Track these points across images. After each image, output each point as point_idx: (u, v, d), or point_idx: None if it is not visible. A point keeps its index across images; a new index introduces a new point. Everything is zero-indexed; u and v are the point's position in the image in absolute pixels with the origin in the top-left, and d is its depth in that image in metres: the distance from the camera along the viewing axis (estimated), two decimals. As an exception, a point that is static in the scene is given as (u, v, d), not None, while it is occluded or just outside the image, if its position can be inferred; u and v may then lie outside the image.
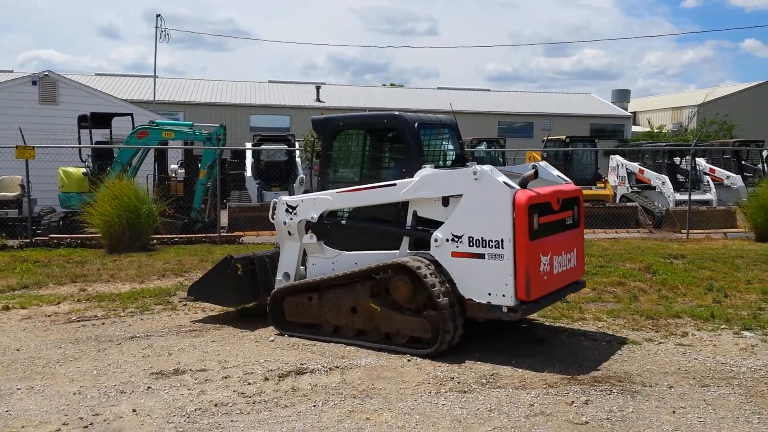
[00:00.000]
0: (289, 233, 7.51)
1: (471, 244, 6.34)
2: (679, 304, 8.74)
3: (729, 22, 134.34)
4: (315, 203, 7.34)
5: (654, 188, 20.10)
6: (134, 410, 5.15)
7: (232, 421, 4.96)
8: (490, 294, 6.27)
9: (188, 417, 5.03)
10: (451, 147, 7.70)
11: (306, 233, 7.45)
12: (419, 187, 6.68)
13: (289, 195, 20.54)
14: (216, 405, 5.26)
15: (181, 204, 15.83)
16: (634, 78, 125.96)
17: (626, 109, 48.16)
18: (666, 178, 19.78)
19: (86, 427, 4.87)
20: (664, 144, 24.77)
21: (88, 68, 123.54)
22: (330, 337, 7.04)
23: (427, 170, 6.75)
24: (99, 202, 13.17)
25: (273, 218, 7.65)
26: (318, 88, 43.08)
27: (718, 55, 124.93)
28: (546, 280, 6.41)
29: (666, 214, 17.98)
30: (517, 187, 6.26)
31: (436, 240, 6.51)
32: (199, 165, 15.77)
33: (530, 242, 6.15)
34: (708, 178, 20.49)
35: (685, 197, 17.62)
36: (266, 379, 5.86)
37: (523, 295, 6.16)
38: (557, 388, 5.63)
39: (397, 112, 7.24)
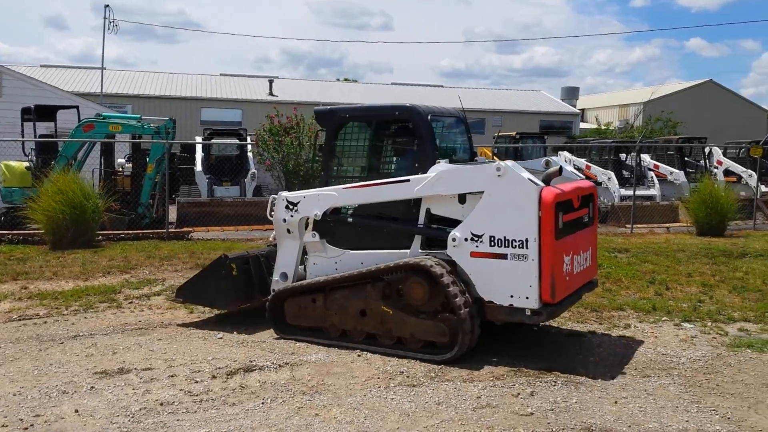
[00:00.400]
0: (288, 231, 7.12)
1: (492, 243, 6.07)
2: (622, 297, 8.97)
3: (676, 21, 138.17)
4: (319, 199, 6.94)
5: (600, 184, 20.54)
6: (77, 411, 5.04)
7: (178, 420, 4.89)
8: (512, 296, 6.01)
9: (132, 417, 4.94)
10: (460, 141, 7.47)
11: (306, 231, 7.08)
12: (435, 184, 6.37)
13: (240, 190, 20.60)
14: (162, 404, 5.18)
15: (128, 199, 15.49)
16: (583, 76, 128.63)
17: (575, 107, 49.05)
18: (612, 174, 20.24)
19: (26, 428, 4.73)
20: (611, 140, 25.35)
21: (33, 60, 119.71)
22: (336, 341, 6.71)
23: (442, 165, 6.45)
24: (42, 197, 12.78)
25: (271, 215, 7.23)
26: (271, 82, 42.61)
27: (665, 54, 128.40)
28: (568, 281, 6.20)
29: (611, 209, 18.41)
30: (542, 184, 6.00)
31: (454, 239, 6.21)
32: (147, 159, 15.45)
33: (555, 242, 5.93)
34: (652, 174, 21.03)
35: (630, 192, 18.10)
36: (214, 377, 5.80)
37: (548, 297, 5.92)
38: (504, 381, 5.72)
39: (409, 103, 6.89)
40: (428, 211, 6.53)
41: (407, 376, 5.82)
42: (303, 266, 7.25)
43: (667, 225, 17.36)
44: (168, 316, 7.92)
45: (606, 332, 7.29)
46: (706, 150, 23.78)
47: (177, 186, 18.99)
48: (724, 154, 24.34)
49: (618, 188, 19.81)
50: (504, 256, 6.02)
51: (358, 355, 6.38)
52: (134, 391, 5.46)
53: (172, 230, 14.68)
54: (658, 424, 4.82)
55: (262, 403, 5.20)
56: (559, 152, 23.71)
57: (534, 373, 5.90)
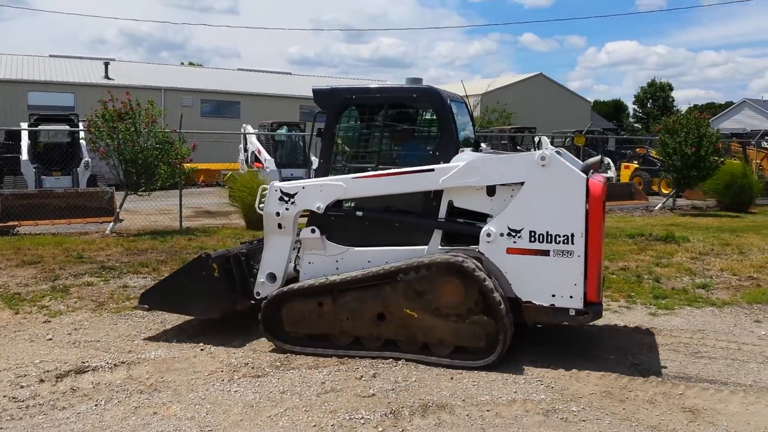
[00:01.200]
0: (280, 226, 6.40)
1: (533, 239, 5.66)
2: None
3: (510, 17, 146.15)
4: (322, 190, 6.25)
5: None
6: None
7: (1, 428, 4.53)
8: (554, 295, 5.65)
9: (-54, 430, 4.51)
10: (468, 128, 6.95)
11: (306, 226, 6.41)
12: (465, 174, 5.84)
13: (72, 180, 19.23)
14: (-20, 413, 4.77)
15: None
16: (427, 67, 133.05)
17: (419, 96, 50.57)
18: (453, 162, 21.12)
19: None
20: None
21: None
22: (347, 350, 6.07)
23: (468, 154, 6.05)
24: None
25: (260, 208, 6.57)
26: (106, 64, 40.10)
27: (501, 48, 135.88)
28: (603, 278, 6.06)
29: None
30: (585, 174, 5.65)
31: (489, 234, 5.75)
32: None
33: (601, 236, 5.70)
34: (490, 161, 22.21)
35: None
36: (42, 380, 5.42)
37: (593, 295, 5.63)
38: (348, 365, 5.83)
39: (429, 85, 6.39)
40: (450, 203, 6.02)
41: (252, 367, 5.77)
42: (293, 266, 6.65)
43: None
44: (-12, 318, 7.28)
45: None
46: (536, 139, 25.51)
47: (0, 177, 17.44)
48: (552, 143, 26.21)
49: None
50: (546, 253, 5.63)
51: (201, 350, 6.23)
52: (-53, 402, 4.98)
53: (-5, 225, 13.46)
54: (489, 396, 5.14)
55: (96, 405, 4.94)
56: (404, 141, 24.36)
57: (377, 355, 6.07)
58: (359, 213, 6.27)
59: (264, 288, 6.46)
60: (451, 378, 5.52)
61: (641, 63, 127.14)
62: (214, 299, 6.51)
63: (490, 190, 5.88)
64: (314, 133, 6.75)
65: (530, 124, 29.77)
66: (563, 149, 6.96)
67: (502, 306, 5.56)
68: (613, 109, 78.88)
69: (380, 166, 6.26)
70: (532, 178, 5.67)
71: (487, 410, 4.87)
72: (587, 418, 4.75)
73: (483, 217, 5.94)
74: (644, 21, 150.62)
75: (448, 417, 4.77)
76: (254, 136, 23.38)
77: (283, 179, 19.75)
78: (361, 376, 5.54)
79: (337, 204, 6.27)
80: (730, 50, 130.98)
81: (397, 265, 5.87)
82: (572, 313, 5.65)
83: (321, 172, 6.50)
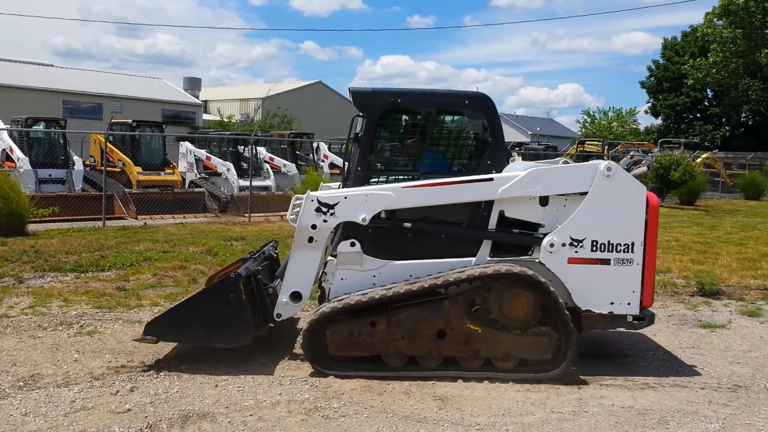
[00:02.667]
0: (311, 240, 5.84)
1: (594, 248, 5.73)
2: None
3: (291, 23, 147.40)
4: (368, 200, 5.76)
5: (220, 174, 20.97)
6: None
7: None
8: (612, 303, 5.78)
9: None
10: None
11: (342, 239, 5.87)
12: (526, 184, 5.76)
13: None
14: None
15: None
16: (208, 67, 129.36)
17: (198, 97, 49.09)
18: (231, 165, 20.80)
19: None
20: (229, 133, 26.05)
21: None
22: (401, 372, 5.64)
23: (521, 163, 5.92)
24: None
25: (291, 219, 5.98)
26: None
27: (282, 53, 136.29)
28: None
29: (231, 199, 18.96)
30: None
31: (552, 245, 5.72)
32: None
33: (656, 245, 5.89)
34: (268, 166, 22.20)
35: (248, 183, 18.85)
36: None
37: (648, 301, 5.83)
38: (103, 380, 5.46)
39: (482, 92, 6.09)
40: (501, 213, 5.91)
41: None
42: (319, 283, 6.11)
43: (282, 213, 18.49)
44: None
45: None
46: (314, 145, 25.99)
47: None
48: (329, 149, 26.93)
49: (237, 179, 20.44)
50: (607, 262, 5.74)
51: (-75, 373, 5.45)
52: None
53: None
54: (253, 401, 5.11)
55: None
56: (181, 142, 23.49)
57: (138, 368, 5.76)
58: (407, 224, 5.91)
59: (287, 309, 5.97)
60: (216, 386, 5.41)
61: (413, 76, 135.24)
62: (243, 325, 5.75)
63: (543, 200, 5.89)
64: (351, 138, 6.30)
65: (310, 130, 30.23)
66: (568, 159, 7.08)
67: (568, 317, 5.59)
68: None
69: (424, 176, 5.95)
70: (597, 188, 5.77)
71: (250, 415, 4.85)
72: (347, 413, 4.92)
73: (533, 227, 5.94)
74: (416, 38, 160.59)
75: (209, 426, 4.66)
76: (5, 132, 21.01)
77: (39, 180, 18.06)
78: (117, 391, 5.22)
79: (376, 215, 5.87)
80: (489, 69, 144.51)
81: (461, 273, 5.66)
82: (630, 319, 5.87)
83: (359, 180, 6.03)
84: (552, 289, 5.60)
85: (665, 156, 25.40)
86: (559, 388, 5.56)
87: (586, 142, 37.57)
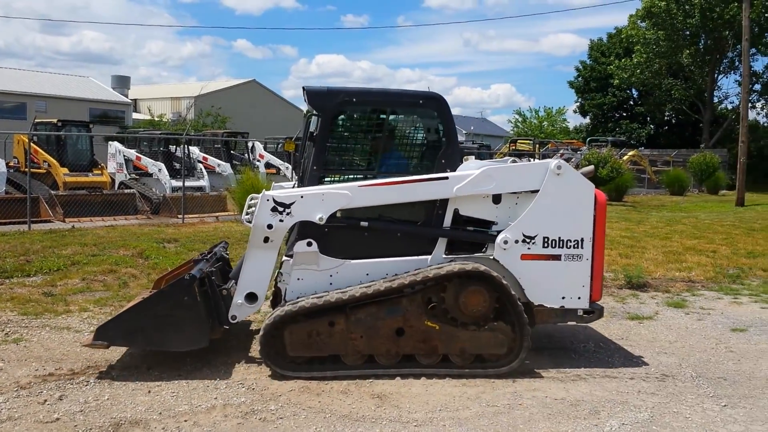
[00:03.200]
0: (267, 240, 5.72)
1: (546, 245, 5.89)
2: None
3: (223, 21, 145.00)
4: (324, 200, 5.71)
5: (151, 175, 20.46)
6: None
7: None
8: (563, 298, 5.97)
9: None
10: None
11: (298, 239, 5.78)
12: (480, 182, 5.85)
13: None
14: None
15: None
16: (136, 65, 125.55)
17: (127, 96, 47.80)
18: (162, 166, 20.30)
19: None
20: (159, 132, 25.44)
21: None
22: (360, 370, 5.67)
23: (474, 162, 6.06)
24: None
25: (246, 219, 5.80)
26: None
27: (215, 51, 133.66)
28: None
29: (163, 200, 18.50)
30: None
31: (506, 242, 5.85)
32: None
33: (604, 240, 6.08)
34: (201, 165, 21.79)
35: (181, 184, 18.44)
36: None
37: (597, 295, 6.03)
38: (30, 389, 5.25)
39: (435, 92, 6.16)
40: (456, 211, 5.98)
41: None
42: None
43: (217, 214, 18.21)
44: None
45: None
46: (249, 144, 25.67)
47: None
48: (265, 149, 26.64)
49: (169, 179, 19.97)
50: (558, 257, 5.91)
51: None
52: None
53: None
54: (188, 406, 5.01)
55: None
56: (110, 143, 22.79)
57: (66, 376, 5.56)
58: (364, 223, 5.88)
59: (242, 310, 5.84)
60: (149, 391, 5.27)
61: (348, 76, 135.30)
62: (199, 327, 5.62)
63: (496, 198, 6.00)
64: (305, 137, 6.30)
65: (245, 129, 29.86)
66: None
67: (522, 310, 5.75)
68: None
69: (379, 175, 5.94)
70: (548, 186, 5.91)
71: (185, 420, 4.75)
72: (285, 415, 4.88)
73: (486, 225, 6.03)
74: (350, 37, 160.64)
75: (142, 432, 4.54)
76: None
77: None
78: (45, 400, 5.03)
79: (333, 214, 5.81)
80: (423, 69, 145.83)
81: (416, 276, 5.69)
82: (580, 313, 6.07)
83: (315, 179, 5.95)
84: (505, 283, 5.75)
85: (593, 154, 26.21)
86: (494, 382, 5.67)
87: (518, 141, 38.43)
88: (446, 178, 5.89)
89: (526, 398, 5.34)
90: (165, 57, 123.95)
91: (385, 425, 4.76)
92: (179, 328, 5.59)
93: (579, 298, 6.02)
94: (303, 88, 6.10)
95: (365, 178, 5.95)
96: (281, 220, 5.74)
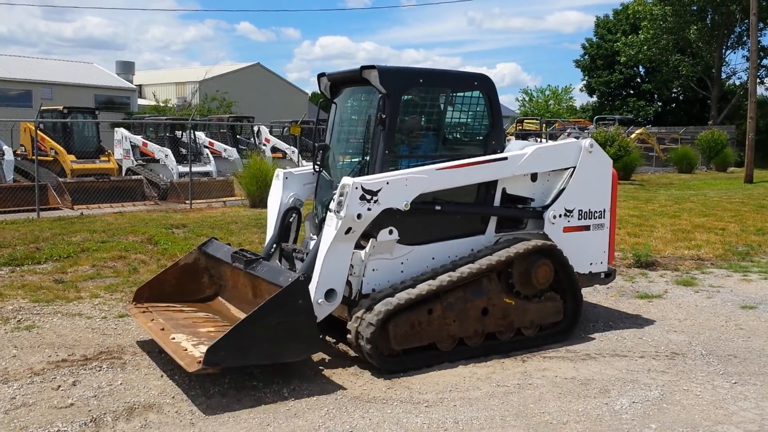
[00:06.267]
0: (349, 231, 5.36)
1: (581, 217, 6.49)
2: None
3: (225, 4, 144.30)
4: (407, 185, 5.55)
5: (158, 161, 20.50)
6: None
7: None
8: (591, 264, 6.61)
9: None
10: None
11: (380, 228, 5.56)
12: (532, 161, 6.24)
13: None
14: None
15: None
16: (140, 51, 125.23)
17: (131, 82, 47.70)
18: (169, 151, 20.34)
19: None
20: (165, 118, 25.44)
21: None
22: (454, 354, 5.71)
23: (518, 142, 6.60)
24: None
25: (338, 210, 5.33)
26: None
27: (218, 35, 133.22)
28: None
29: (170, 185, 18.54)
30: None
31: (554, 217, 6.32)
32: None
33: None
34: (207, 151, 21.81)
35: (188, 169, 18.47)
36: None
37: (612, 259, 6.80)
38: (44, 375, 5.30)
39: (483, 73, 6.28)
40: (504, 191, 6.27)
41: None
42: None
43: (224, 199, 18.25)
44: None
45: (158, 309, 7.31)
46: (255, 128, 25.64)
47: None
48: (271, 133, 26.61)
49: (176, 165, 20.02)
50: (587, 227, 6.54)
51: None
52: None
53: None
54: (201, 390, 5.04)
55: None
56: (116, 129, 22.83)
57: (79, 362, 5.61)
58: (437, 207, 5.90)
59: (322, 310, 5.34)
60: (161, 376, 5.32)
61: (352, 57, 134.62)
62: (314, 331, 5.14)
63: (533, 176, 6.38)
64: (326, 122, 6.54)
65: (249, 114, 29.81)
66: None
67: (576, 279, 6.32)
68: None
69: (440, 158, 5.96)
70: (582, 163, 6.46)
71: (198, 404, 4.79)
72: (295, 397, 4.90)
73: (525, 202, 6.41)
74: (354, 18, 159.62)
75: (156, 417, 4.58)
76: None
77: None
78: (59, 386, 5.07)
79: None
80: (428, 49, 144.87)
81: (500, 256, 5.84)
82: (602, 276, 6.74)
83: (387, 164, 5.72)
84: (565, 257, 6.21)
85: (600, 133, 26.06)
86: (504, 362, 5.69)
87: (525, 121, 38.20)
88: (506, 158, 6.14)
89: (536, 378, 5.36)
90: (168, 41, 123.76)
91: (396, 406, 4.79)
92: (295, 336, 5.03)
93: (601, 262, 6.69)
94: (374, 66, 5.77)
95: (426, 162, 5.90)
96: (369, 209, 5.41)
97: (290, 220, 6.70)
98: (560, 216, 6.36)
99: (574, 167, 6.43)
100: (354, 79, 6.15)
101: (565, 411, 4.74)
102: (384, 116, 5.71)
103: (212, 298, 6.53)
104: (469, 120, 6.37)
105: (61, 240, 11.07)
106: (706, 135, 35.10)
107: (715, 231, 12.72)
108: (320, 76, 6.50)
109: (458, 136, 6.50)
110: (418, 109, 6.08)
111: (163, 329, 5.52)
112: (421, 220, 5.84)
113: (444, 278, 5.58)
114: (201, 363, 4.68)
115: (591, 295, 8.08)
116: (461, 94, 6.31)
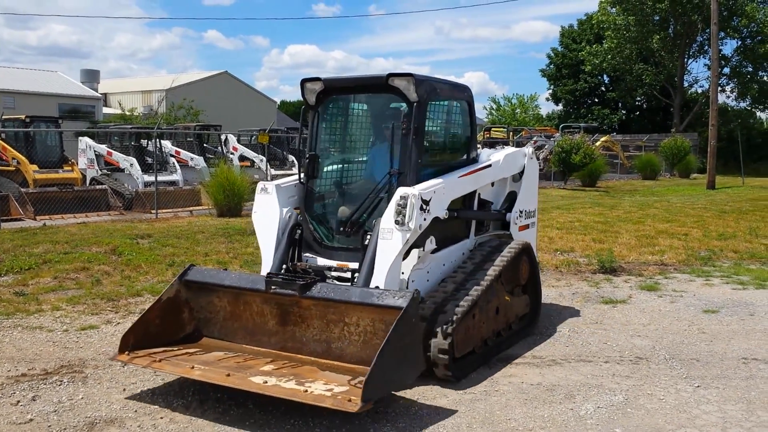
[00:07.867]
0: (406, 243, 5.34)
1: (527, 217, 7.12)
2: (141, 283, 8.99)
3: (192, 12, 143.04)
4: (446, 193, 5.72)
5: (123, 170, 20.21)
6: None
7: None
8: None
9: None
10: None
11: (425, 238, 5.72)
12: (504, 167, 6.78)
13: None
14: None
15: None
16: (106, 58, 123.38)
17: (97, 90, 47.03)
18: (134, 160, 20.08)
19: None
20: (130, 126, 25.13)
21: None
22: (481, 354, 5.81)
23: (486, 150, 7.03)
24: None
25: (403, 222, 5.20)
26: None
27: (185, 43, 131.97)
28: None
29: (136, 195, 18.30)
30: None
31: (516, 218, 6.91)
32: None
33: None
34: (174, 159, 21.57)
35: (153, 178, 18.24)
36: None
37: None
38: (2, 390, 5.16)
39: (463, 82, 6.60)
40: (479, 196, 6.58)
41: None
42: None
43: (191, 209, 18.06)
44: None
45: (121, 320, 7.19)
46: (223, 137, 25.45)
47: None
48: (239, 141, 26.43)
49: (141, 174, 19.77)
50: (527, 226, 7.13)
51: None
52: None
53: None
54: (165, 403, 4.97)
55: None
56: (80, 138, 22.45)
57: (39, 376, 5.47)
58: (454, 214, 6.02)
59: None
60: (124, 389, 5.21)
61: (321, 66, 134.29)
62: (420, 349, 4.90)
63: (493, 182, 6.79)
64: (308, 131, 6.32)
65: (217, 122, 29.57)
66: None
67: (539, 273, 6.91)
68: (299, 109, 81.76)
69: (444, 164, 6.24)
70: (528, 168, 7.16)
71: (161, 417, 4.70)
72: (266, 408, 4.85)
73: (488, 205, 6.82)
74: (323, 27, 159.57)
75: (118, 431, 4.49)
76: None
77: None
78: (18, 401, 4.95)
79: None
80: (397, 58, 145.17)
81: (506, 257, 6.13)
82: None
83: (411, 172, 5.61)
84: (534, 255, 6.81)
85: (566, 140, 26.41)
86: (472, 370, 5.70)
87: (492, 129, 38.57)
88: (490, 165, 6.59)
89: (503, 384, 5.39)
90: (134, 49, 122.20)
91: (362, 418, 4.76)
92: (412, 356, 4.70)
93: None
94: (410, 74, 5.61)
95: (435, 169, 5.97)
96: (425, 219, 5.37)
97: (295, 236, 6.07)
98: (518, 216, 6.96)
99: (522, 173, 7.10)
100: (366, 86, 6.08)
101: (531, 417, 4.77)
102: (416, 125, 5.65)
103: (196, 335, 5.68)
104: (461, 128, 6.69)
105: (22, 251, 10.83)
106: (669, 142, 35.84)
107: (678, 236, 12.95)
108: (308, 80, 6.13)
109: (456, 144, 6.75)
110: (432, 118, 6.16)
111: (228, 375, 4.74)
112: (443, 227, 5.88)
113: (487, 281, 5.76)
114: (360, 403, 4.19)
115: (557, 300, 8.17)
116: (460, 103, 6.50)
